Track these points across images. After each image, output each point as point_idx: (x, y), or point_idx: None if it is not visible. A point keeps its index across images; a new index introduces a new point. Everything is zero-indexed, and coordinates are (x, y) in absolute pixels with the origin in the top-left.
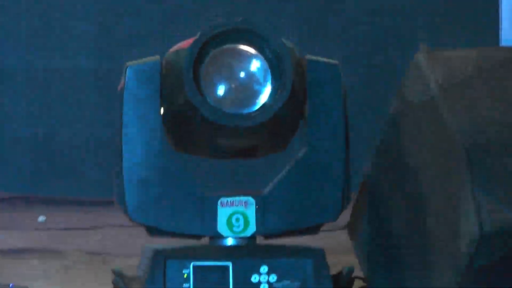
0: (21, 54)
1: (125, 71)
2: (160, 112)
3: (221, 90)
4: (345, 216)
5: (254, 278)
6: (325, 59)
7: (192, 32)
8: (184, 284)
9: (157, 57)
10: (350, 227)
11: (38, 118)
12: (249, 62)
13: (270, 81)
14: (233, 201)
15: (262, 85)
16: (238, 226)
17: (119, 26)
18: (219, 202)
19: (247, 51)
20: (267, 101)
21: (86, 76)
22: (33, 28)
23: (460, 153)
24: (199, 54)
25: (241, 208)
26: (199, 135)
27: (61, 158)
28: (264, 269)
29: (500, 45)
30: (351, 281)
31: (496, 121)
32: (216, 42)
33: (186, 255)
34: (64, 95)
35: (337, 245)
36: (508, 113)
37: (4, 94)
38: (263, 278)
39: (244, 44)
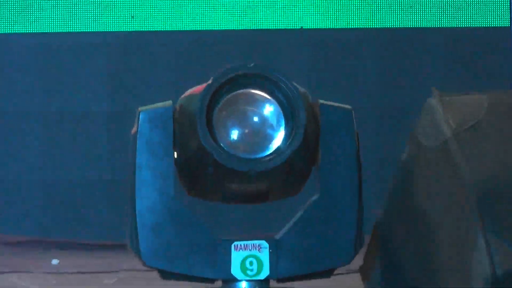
0: (34, 98)
1: (138, 116)
2: (173, 156)
3: (234, 135)
4: (358, 259)
5: None
6: (338, 104)
7: (205, 76)
8: None
9: (170, 102)
10: (363, 270)
11: (51, 162)
12: (262, 107)
13: (283, 125)
14: (246, 245)
15: (275, 129)
16: (252, 270)
17: (131, 69)
18: (232, 245)
19: (260, 96)
20: (280, 145)
21: (97, 120)
22: (45, 72)
23: (472, 198)
24: (212, 99)
25: (255, 252)
26: (212, 180)
27: (75, 202)
28: None
29: None
30: None
31: (507, 166)
32: (228, 87)
33: None
34: (76, 138)
35: None
36: None
37: (17, 138)
38: None
39: (256, 89)
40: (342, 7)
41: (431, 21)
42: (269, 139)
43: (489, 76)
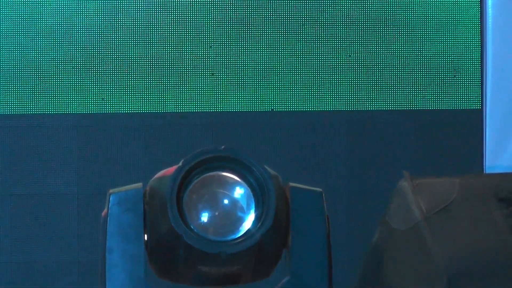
0: (1, 180)
1: (108, 198)
2: (143, 239)
3: (204, 217)
4: None
5: None
6: (308, 187)
7: (175, 159)
8: None
9: (140, 184)
10: None
11: (20, 245)
12: (233, 190)
13: (253, 208)
14: None
15: (246, 212)
16: None
17: (101, 151)
18: None
19: (230, 178)
20: (250, 228)
21: (67, 201)
22: (14, 153)
23: (443, 279)
24: (183, 182)
25: None
26: (183, 262)
27: (46, 284)
28: None
29: (484, 170)
30: None
31: (477, 247)
32: (199, 170)
33: None
34: (45, 221)
35: None
36: (488, 240)
37: None
38: None
39: (227, 172)
40: (313, 90)
41: (402, 103)
42: (240, 221)
43: (460, 158)
